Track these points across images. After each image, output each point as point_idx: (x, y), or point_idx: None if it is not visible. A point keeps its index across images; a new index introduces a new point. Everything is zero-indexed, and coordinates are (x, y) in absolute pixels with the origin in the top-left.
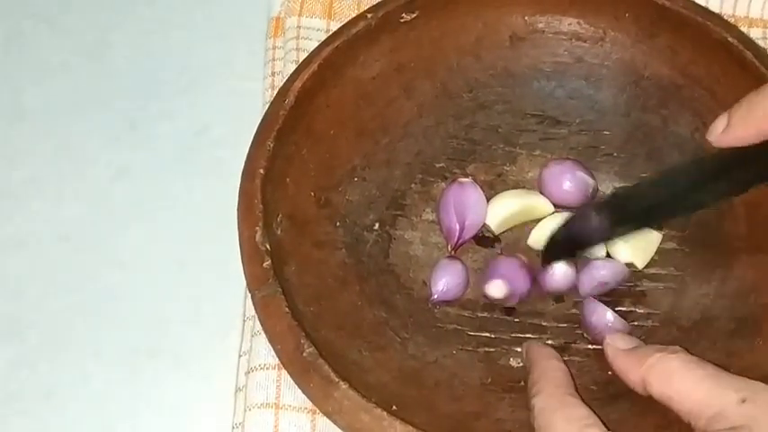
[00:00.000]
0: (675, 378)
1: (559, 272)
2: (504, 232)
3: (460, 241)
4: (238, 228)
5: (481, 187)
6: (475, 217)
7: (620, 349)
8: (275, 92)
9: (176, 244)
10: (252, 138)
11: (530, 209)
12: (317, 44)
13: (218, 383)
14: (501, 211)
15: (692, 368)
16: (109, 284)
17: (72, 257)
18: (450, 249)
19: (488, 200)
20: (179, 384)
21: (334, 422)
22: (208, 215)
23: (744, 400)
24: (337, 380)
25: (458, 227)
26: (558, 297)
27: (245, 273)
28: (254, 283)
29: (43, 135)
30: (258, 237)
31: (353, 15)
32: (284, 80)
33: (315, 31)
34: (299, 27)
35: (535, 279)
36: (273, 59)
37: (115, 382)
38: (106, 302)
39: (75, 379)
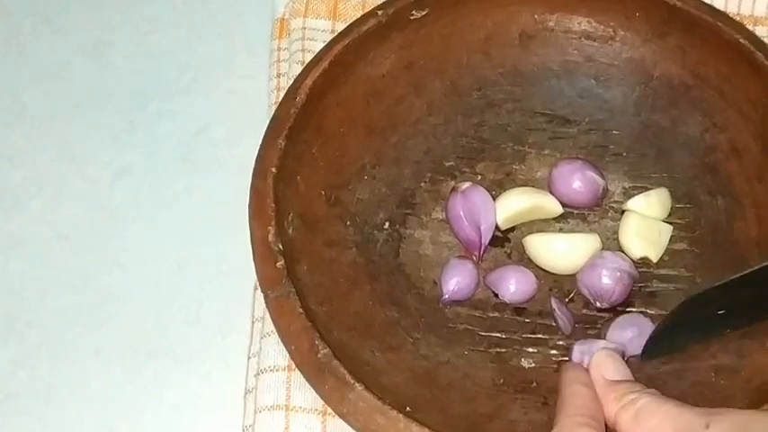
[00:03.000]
0: (642, 416)
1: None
2: (512, 231)
3: (483, 249)
4: (250, 227)
5: (489, 186)
6: (488, 218)
7: (604, 377)
8: (281, 93)
9: (176, 244)
10: (252, 137)
11: (538, 208)
12: (322, 45)
13: (217, 383)
14: (508, 207)
15: (657, 406)
16: (109, 284)
17: (72, 257)
18: (476, 260)
19: (496, 198)
20: (179, 384)
21: (349, 424)
22: (208, 215)
23: (707, 426)
24: (352, 381)
25: (476, 235)
26: (569, 298)
27: (257, 273)
28: (267, 284)
29: (43, 135)
30: (271, 236)
31: (358, 16)
32: (290, 81)
33: (320, 32)
34: (304, 28)
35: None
36: (279, 60)
37: (115, 381)
38: (106, 302)
39: (75, 379)
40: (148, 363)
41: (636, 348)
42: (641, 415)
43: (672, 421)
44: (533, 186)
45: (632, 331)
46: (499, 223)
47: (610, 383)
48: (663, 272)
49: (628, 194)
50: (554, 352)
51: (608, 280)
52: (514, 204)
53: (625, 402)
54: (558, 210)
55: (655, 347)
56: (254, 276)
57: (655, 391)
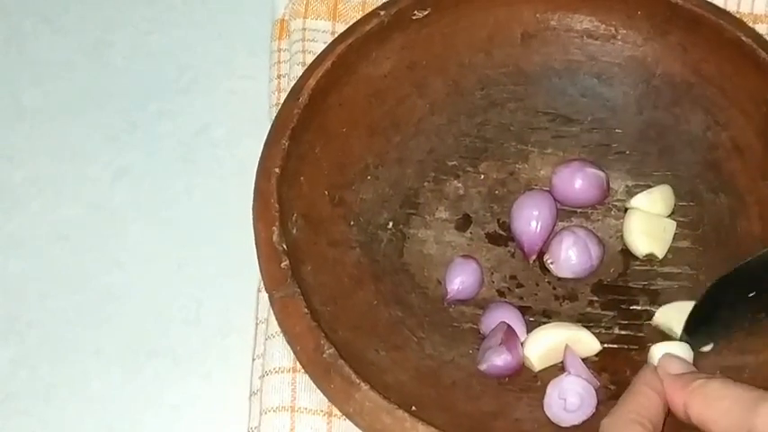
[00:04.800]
0: (712, 401)
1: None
2: None
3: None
4: (254, 228)
5: (493, 185)
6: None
7: (669, 373)
8: (282, 94)
9: (176, 244)
10: (252, 137)
11: (574, 344)
12: (323, 46)
13: (217, 383)
14: (542, 344)
15: (727, 389)
16: (109, 284)
17: (71, 257)
18: (532, 261)
19: (504, 198)
20: (179, 384)
21: (356, 423)
22: (208, 215)
23: None
24: (358, 381)
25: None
26: (572, 296)
27: (262, 273)
28: (272, 284)
29: (43, 135)
30: (275, 237)
31: (358, 17)
32: (290, 82)
33: (320, 32)
34: (304, 29)
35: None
36: (279, 62)
37: (115, 381)
38: (106, 302)
39: (75, 379)
40: (148, 363)
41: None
42: (711, 398)
43: (742, 405)
44: (536, 185)
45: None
46: (534, 362)
47: (675, 376)
48: (666, 270)
49: (631, 193)
50: None
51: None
52: (549, 341)
53: (693, 388)
54: (596, 347)
55: (695, 332)
56: (256, 277)
57: (723, 377)
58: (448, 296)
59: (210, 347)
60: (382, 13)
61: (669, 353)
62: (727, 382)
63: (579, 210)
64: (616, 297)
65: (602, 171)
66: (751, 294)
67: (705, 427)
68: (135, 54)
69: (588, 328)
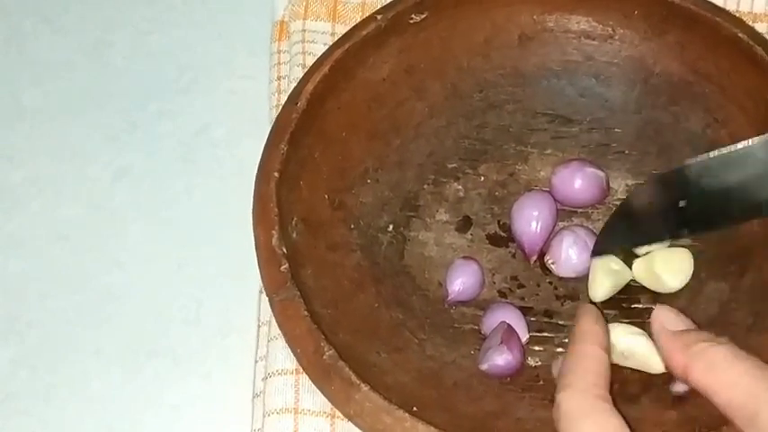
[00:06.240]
0: (718, 370)
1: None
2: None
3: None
4: (254, 232)
5: (492, 187)
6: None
7: (666, 328)
8: (282, 95)
9: (176, 244)
10: (252, 138)
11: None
12: (322, 47)
13: (217, 383)
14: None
15: (736, 360)
16: (109, 284)
17: (71, 257)
18: (533, 261)
19: (504, 200)
20: (179, 384)
21: (356, 424)
22: (208, 215)
23: None
24: (358, 382)
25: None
26: (574, 295)
27: (262, 277)
28: (272, 287)
29: (43, 135)
30: (275, 240)
31: (358, 18)
32: (291, 83)
33: (320, 34)
34: (304, 30)
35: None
36: (279, 63)
37: (115, 381)
38: (106, 302)
39: (75, 379)
40: (148, 363)
41: None
42: (718, 367)
43: (750, 381)
44: (536, 186)
45: None
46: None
47: (675, 333)
48: None
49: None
50: (560, 350)
51: None
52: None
53: (695, 351)
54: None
55: (605, 241)
56: (257, 277)
57: (727, 339)
58: (449, 297)
59: (210, 347)
60: (379, 17)
61: (664, 305)
62: (734, 351)
63: (580, 210)
64: (617, 296)
65: (602, 170)
66: (681, 204)
67: (706, 394)
68: (135, 54)
69: None
